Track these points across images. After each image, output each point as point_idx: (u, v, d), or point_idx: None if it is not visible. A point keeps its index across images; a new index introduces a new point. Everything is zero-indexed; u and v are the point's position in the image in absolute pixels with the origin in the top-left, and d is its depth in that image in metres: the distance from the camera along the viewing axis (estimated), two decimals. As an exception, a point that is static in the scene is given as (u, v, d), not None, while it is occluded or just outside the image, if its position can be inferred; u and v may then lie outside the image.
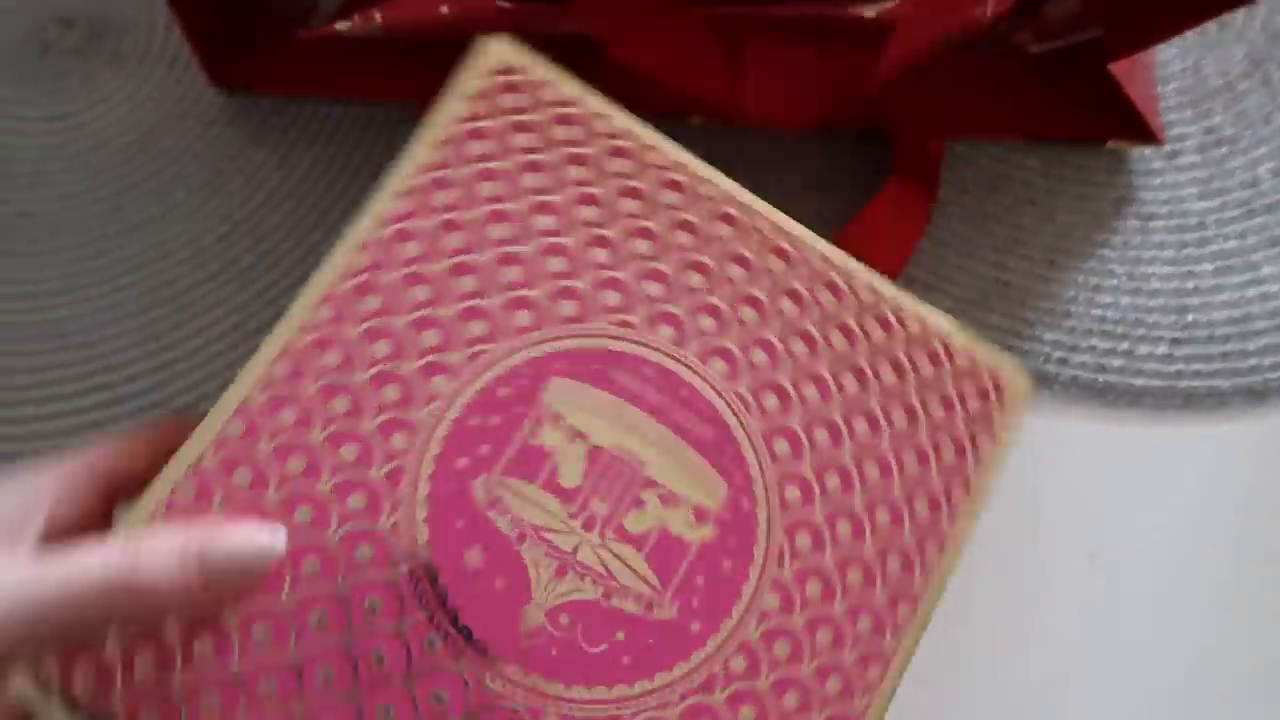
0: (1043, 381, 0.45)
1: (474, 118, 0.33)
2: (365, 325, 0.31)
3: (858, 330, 0.33)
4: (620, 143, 0.34)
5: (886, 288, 0.34)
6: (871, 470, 0.32)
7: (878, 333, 0.33)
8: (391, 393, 0.30)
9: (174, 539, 0.26)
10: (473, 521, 0.30)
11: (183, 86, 0.48)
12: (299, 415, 0.30)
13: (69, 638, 0.26)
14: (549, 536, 0.30)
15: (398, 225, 0.32)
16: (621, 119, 0.34)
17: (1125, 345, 0.45)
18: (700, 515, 0.31)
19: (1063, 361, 0.45)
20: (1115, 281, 0.47)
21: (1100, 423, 0.45)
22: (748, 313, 0.33)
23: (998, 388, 0.34)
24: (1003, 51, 0.47)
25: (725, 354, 0.33)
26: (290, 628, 0.28)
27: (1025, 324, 0.46)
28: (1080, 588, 0.42)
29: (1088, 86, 0.48)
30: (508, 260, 0.32)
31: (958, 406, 0.33)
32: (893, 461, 0.33)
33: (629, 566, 0.31)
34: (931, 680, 0.39)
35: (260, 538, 0.27)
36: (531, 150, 0.33)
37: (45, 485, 0.28)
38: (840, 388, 0.33)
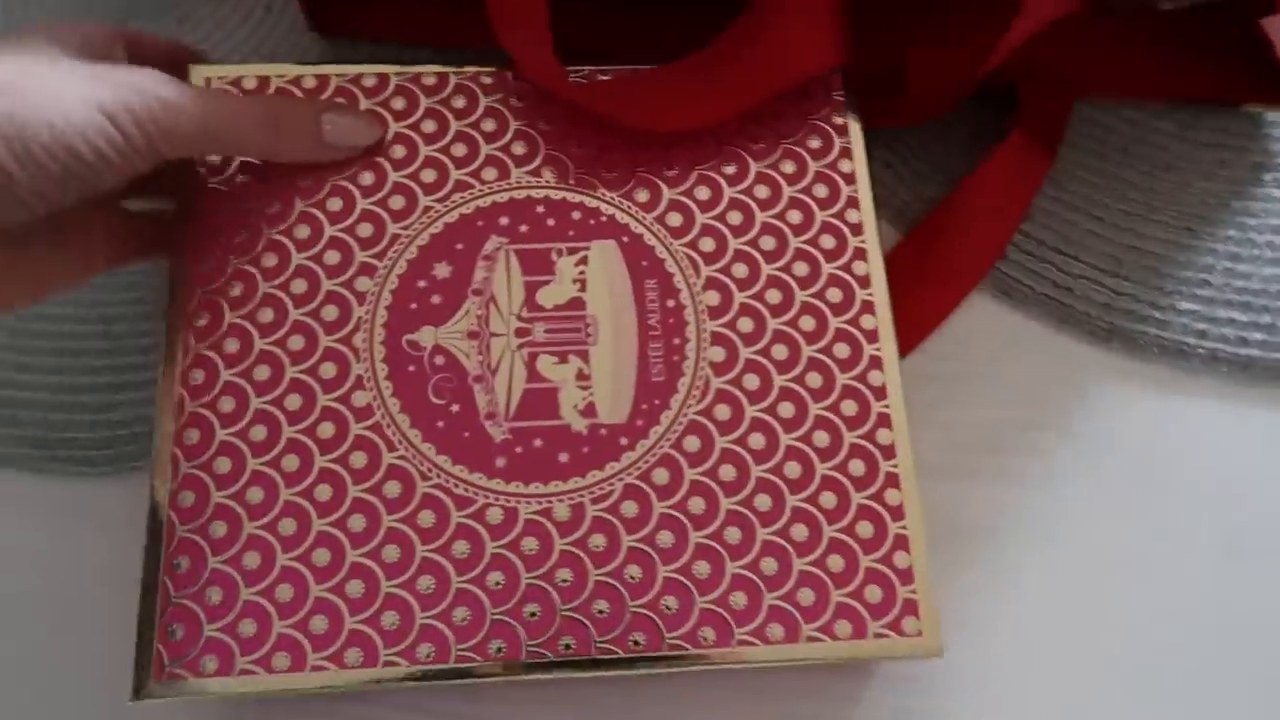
0: (1179, 355, 0.42)
1: None
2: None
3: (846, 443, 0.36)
4: None
5: (905, 454, 0.36)
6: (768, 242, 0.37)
7: (858, 467, 0.35)
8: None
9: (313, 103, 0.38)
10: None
11: (280, 31, 0.46)
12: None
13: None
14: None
15: None
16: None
17: (1267, 318, 0.43)
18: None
19: (1201, 334, 0.42)
20: (1256, 251, 0.44)
21: (1240, 402, 0.42)
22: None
23: (903, 614, 0.34)
24: (1136, 8, 0.45)
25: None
26: None
27: (1160, 293, 0.43)
28: (1216, 574, 0.39)
29: (1226, 46, 0.46)
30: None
31: (858, 578, 0.34)
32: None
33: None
34: (1059, 664, 0.37)
35: (370, 123, 0.38)
36: None
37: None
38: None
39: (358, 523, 0.33)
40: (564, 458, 0.34)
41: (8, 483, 0.40)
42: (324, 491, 0.34)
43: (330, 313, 0.35)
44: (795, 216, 0.38)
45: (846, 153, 0.39)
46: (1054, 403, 0.42)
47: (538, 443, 0.34)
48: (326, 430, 0.34)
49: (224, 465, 0.34)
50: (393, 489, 0.34)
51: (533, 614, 0.33)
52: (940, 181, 0.45)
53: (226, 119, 0.33)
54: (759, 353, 0.36)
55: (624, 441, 0.35)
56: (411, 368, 0.35)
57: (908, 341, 0.41)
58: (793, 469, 0.35)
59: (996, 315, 0.44)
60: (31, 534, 0.39)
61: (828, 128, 0.39)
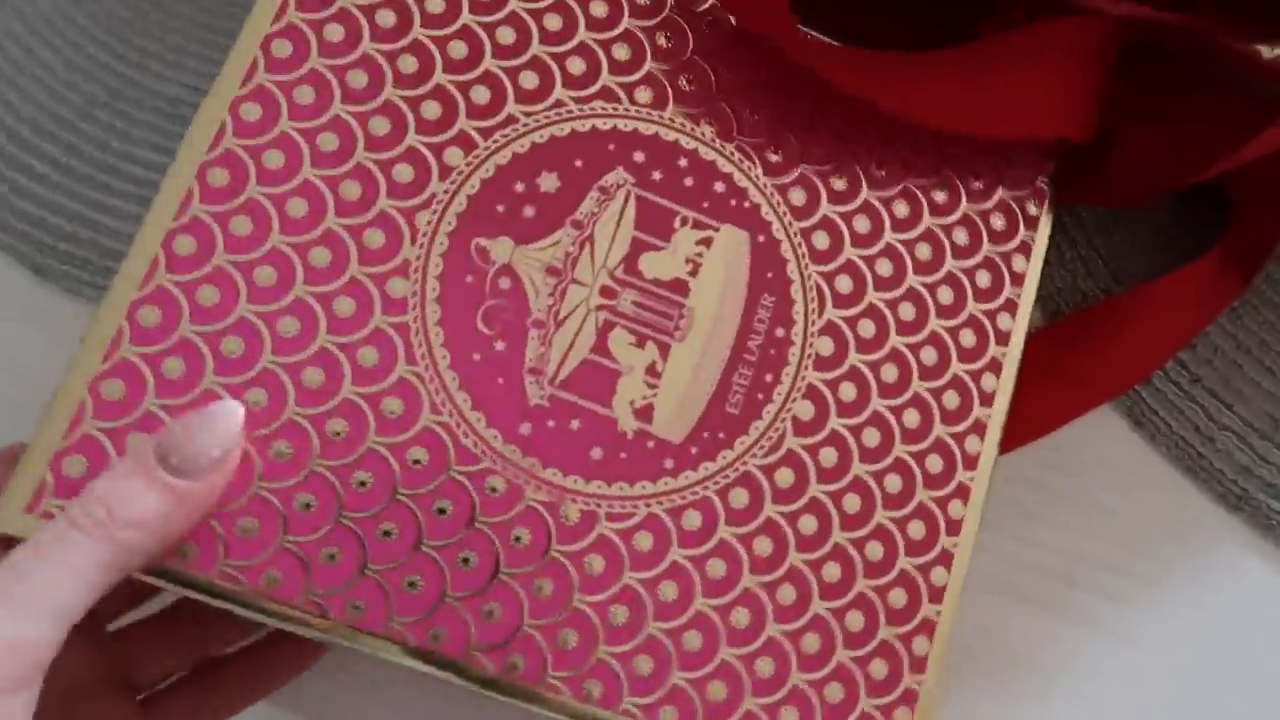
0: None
1: None
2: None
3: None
4: None
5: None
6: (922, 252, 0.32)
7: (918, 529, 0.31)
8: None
9: (121, 464, 0.25)
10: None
11: None
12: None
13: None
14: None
15: None
16: None
17: None
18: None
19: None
20: None
21: None
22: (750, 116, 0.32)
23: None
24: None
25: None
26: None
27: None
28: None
29: None
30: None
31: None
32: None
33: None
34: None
35: (213, 412, 0.26)
36: None
37: None
38: (870, 177, 0.32)
39: (338, 426, 0.27)
40: (597, 453, 0.29)
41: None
42: (314, 377, 0.27)
43: (403, 173, 0.29)
44: (946, 295, 0.32)
45: (1026, 249, 0.33)
46: (1153, 553, 0.38)
47: (575, 424, 0.29)
48: (344, 306, 0.28)
49: (209, 296, 0.27)
50: (393, 406, 0.28)
51: (489, 613, 0.27)
52: (1104, 278, 0.40)
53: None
54: (849, 428, 0.30)
55: (668, 464, 0.29)
56: (470, 278, 0.29)
57: (1016, 437, 0.36)
58: (831, 572, 0.29)
59: (1122, 440, 0.39)
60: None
61: (1018, 211, 0.33)
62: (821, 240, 0.31)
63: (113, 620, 0.32)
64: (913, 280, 0.32)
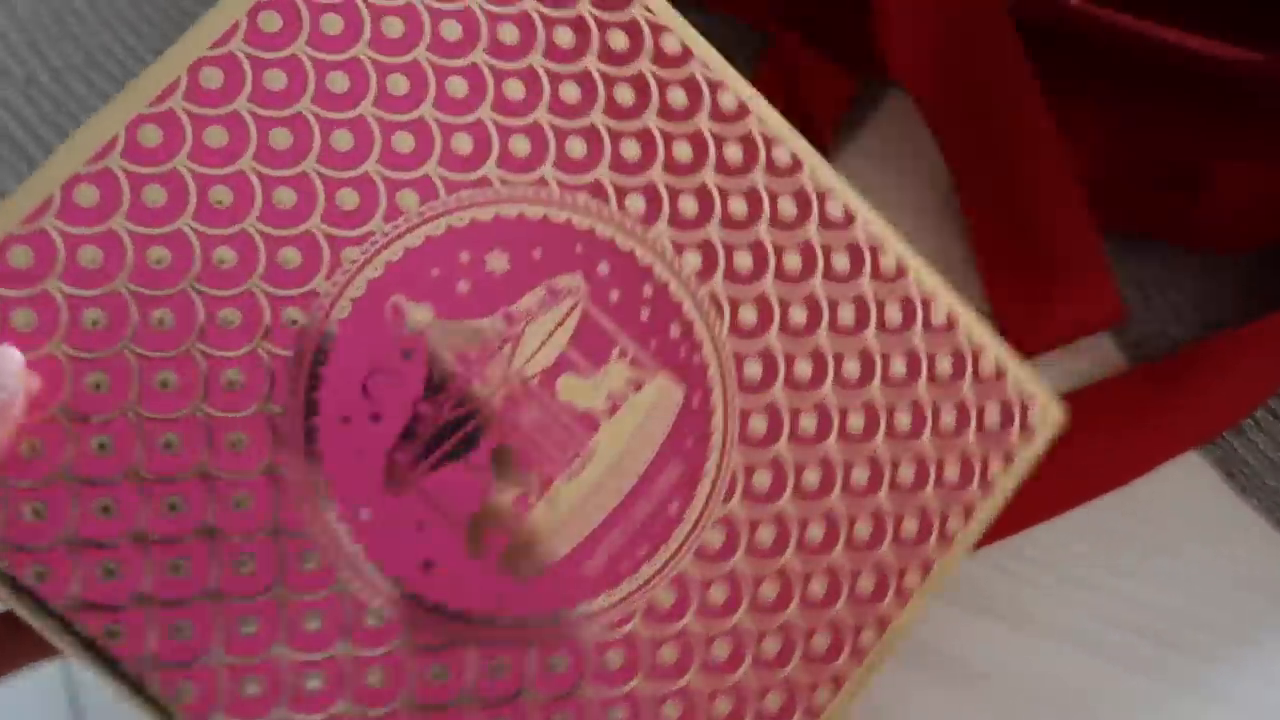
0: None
1: None
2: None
3: (871, 306, 0.30)
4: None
5: (920, 267, 0.30)
6: (859, 473, 0.29)
7: (895, 315, 0.30)
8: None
9: None
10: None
11: None
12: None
13: None
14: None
15: None
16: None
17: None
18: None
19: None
20: None
21: None
22: (742, 259, 0.29)
23: (1024, 411, 0.31)
24: None
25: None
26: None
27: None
28: None
29: None
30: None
31: (973, 420, 0.30)
32: (885, 467, 0.29)
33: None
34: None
35: None
36: None
37: None
38: (838, 369, 0.29)
39: (170, 439, 0.25)
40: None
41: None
42: (168, 378, 0.25)
43: (348, 198, 0.26)
44: (864, 530, 0.30)
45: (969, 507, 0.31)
46: (1241, 609, 0.37)
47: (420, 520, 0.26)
48: (230, 315, 0.25)
49: (92, 256, 0.24)
50: (238, 439, 0.25)
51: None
52: (1195, 325, 0.39)
53: None
54: (698, 634, 0.28)
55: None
56: (373, 335, 0.26)
57: (1104, 483, 0.36)
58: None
59: (1213, 491, 0.38)
60: None
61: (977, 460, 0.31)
62: (758, 425, 0.29)
63: None
64: (835, 502, 0.29)
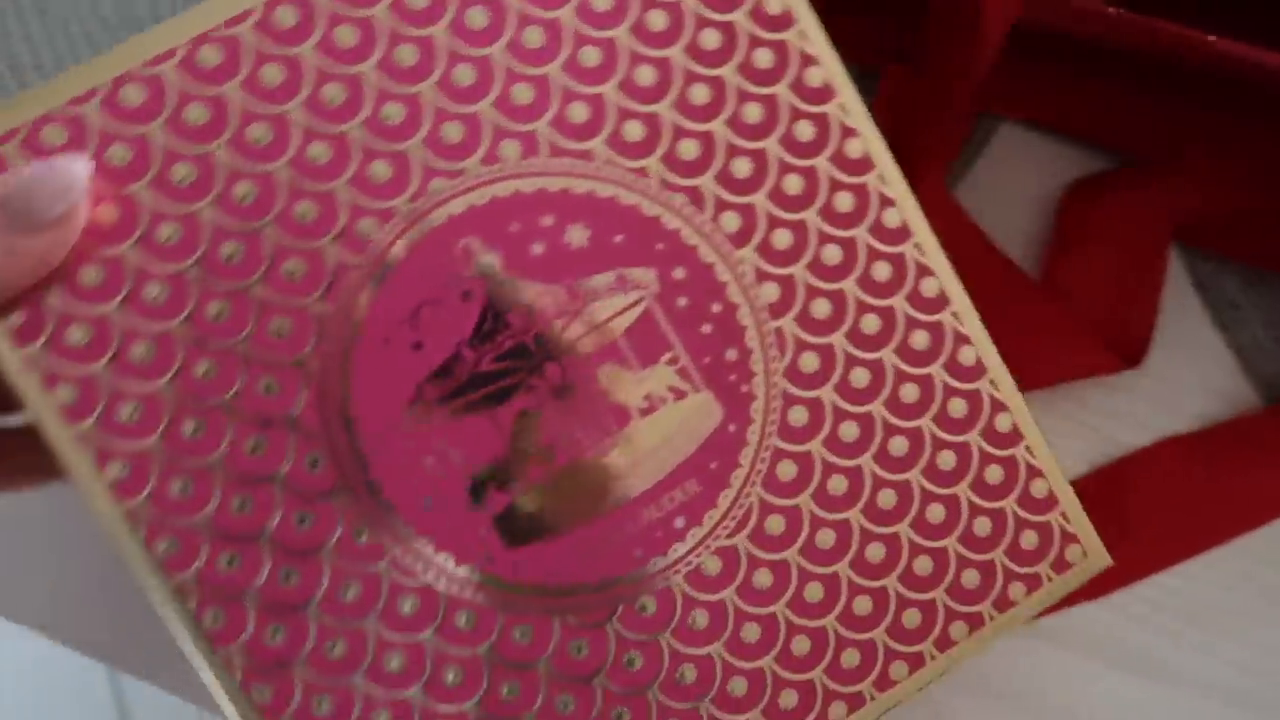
0: None
1: None
2: None
3: (937, 394, 0.29)
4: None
5: (1003, 376, 0.29)
6: (874, 549, 0.28)
7: (959, 410, 0.29)
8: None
9: None
10: None
11: None
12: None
13: None
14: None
15: None
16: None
17: None
18: None
19: None
20: None
21: None
22: (820, 306, 0.28)
23: (1064, 546, 0.29)
24: None
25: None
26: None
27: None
28: None
29: None
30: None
31: (1008, 537, 0.29)
32: (903, 552, 0.28)
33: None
34: None
35: (51, 167, 0.24)
36: None
37: None
38: (885, 442, 0.28)
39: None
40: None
41: None
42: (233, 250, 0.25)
43: (452, 132, 0.26)
44: (863, 606, 0.29)
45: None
46: None
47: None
48: (306, 210, 0.26)
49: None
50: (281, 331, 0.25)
51: None
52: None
53: None
54: (695, 654, 0.27)
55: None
56: (437, 265, 0.26)
57: (1239, 525, 0.36)
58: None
59: None
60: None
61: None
62: (787, 470, 0.28)
63: None
64: (842, 568, 0.28)
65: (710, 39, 0.27)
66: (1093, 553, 0.30)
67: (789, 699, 0.28)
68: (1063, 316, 0.38)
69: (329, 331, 0.26)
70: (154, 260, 0.25)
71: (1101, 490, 0.39)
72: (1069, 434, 0.40)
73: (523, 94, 0.26)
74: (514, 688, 0.26)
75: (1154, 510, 0.39)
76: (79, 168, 0.24)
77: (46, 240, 0.24)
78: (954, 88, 0.33)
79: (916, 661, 0.29)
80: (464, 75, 0.26)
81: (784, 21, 0.28)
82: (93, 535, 0.38)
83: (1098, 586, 0.38)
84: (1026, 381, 0.37)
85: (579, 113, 0.27)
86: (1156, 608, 0.39)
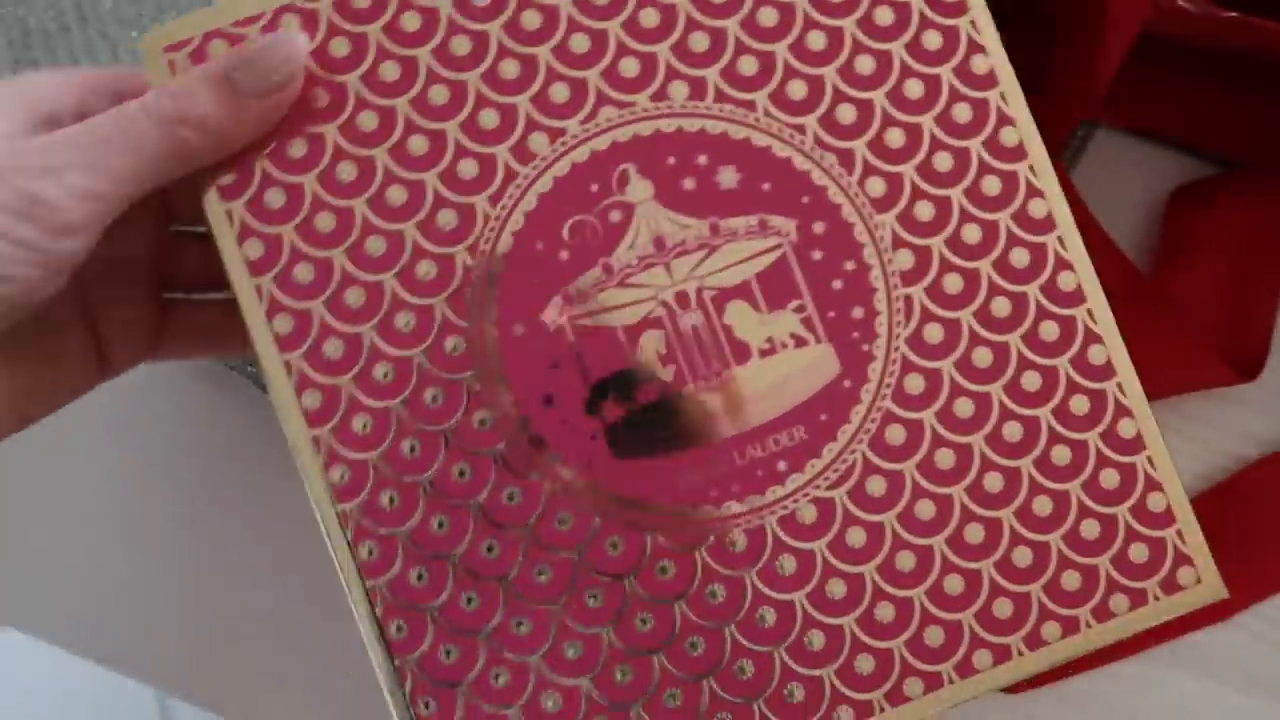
0: None
1: None
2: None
3: (1061, 387, 0.29)
4: None
5: (1132, 381, 0.29)
6: (974, 530, 0.28)
7: (1081, 407, 0.29)
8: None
9: (196, 70, 0.27)
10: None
11: None
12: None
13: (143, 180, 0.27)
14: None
15: None
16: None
17: None
18: None
19: None
20: None
21: None
22: (953, 281, 0.29)
23: (1176, 566, 0.29)
24: None
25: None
26: None
27: None
28: None
29: None
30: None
31: (1116, 545, 0.29)
32: (1003, 539, 0.28)
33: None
34: None
35: (278, 39, 0.28)
36: None
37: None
38: (999, 426, 0.29)
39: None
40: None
41: None
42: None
43: (629, 66, 0.28)
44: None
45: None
46: None
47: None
48: (491, 118, 0.28)
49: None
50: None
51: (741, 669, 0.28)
52: None
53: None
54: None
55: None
56: (594, 186, 0.28)
57: None
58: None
59: None
60: None
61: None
62: (895, 435, 0.28)
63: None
64: (938, 543, 0.28)
65: (884, 15, 0.29)
66: (1208, 581, 0.29)
67: (865, 663, 0.28)
68: (1179, 325, 0.37)
69: (487, 229, 0.28)
70: (350, 144, 0.28)
71: (1219, 507, 0.37)
72: (1182, 449, 0.39)
73: (699, 42, 0.29)
74: (598, 596, 0.28)
75: (1275, 527, 0.37)
76: (300, 41, 0.28)
77: (268, 104, 0.27)
78: (1073, 104, 0.33)
79: (1003, 654, 0.28)
80: (649, 18, 0.29)
81: (957, 9, 0.29)
82: (133, 554, 0.40)
83: (1227, 606, 0.37)
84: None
85: (748, 65, 0.29)
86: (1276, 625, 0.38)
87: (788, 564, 0.28)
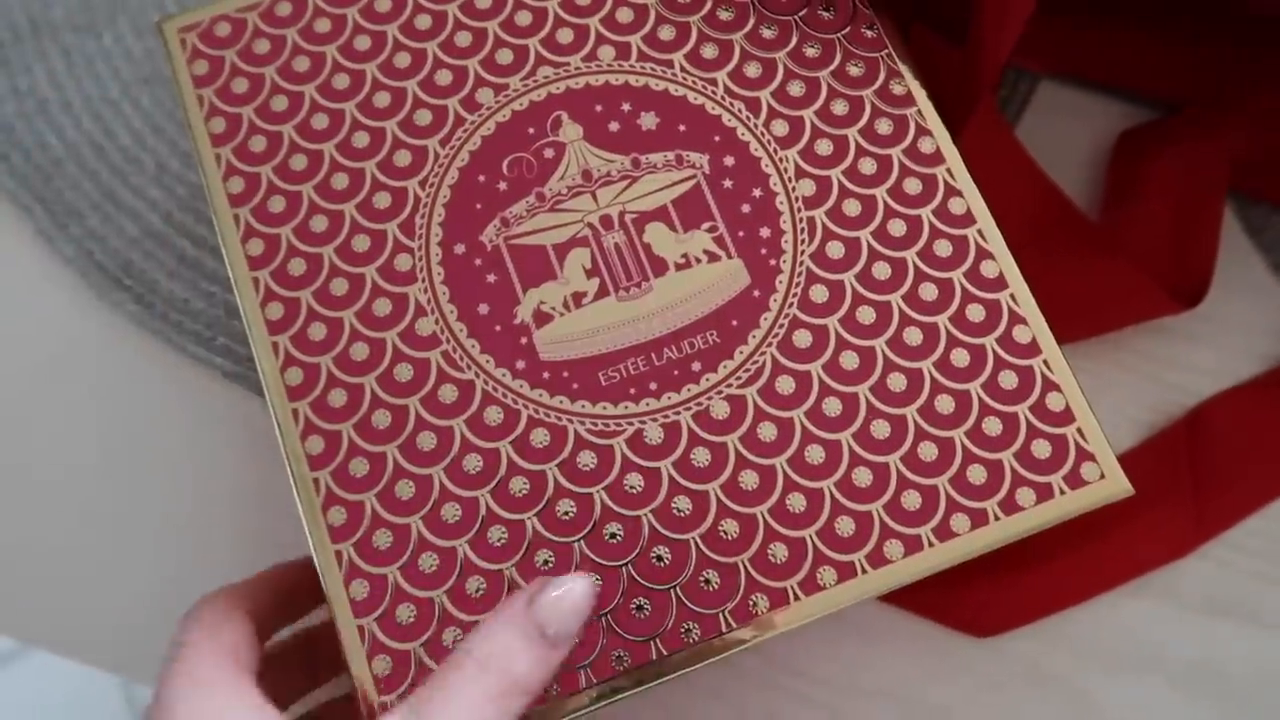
0: None
1: None
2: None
3: (956, 298, 0.31)
4: None
5: (1024, 289, 0.31)
6: (880, 426, 0.30)
7: (977, 315, 0.31)
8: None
9: (507, 629, 0.27)
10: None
11: None
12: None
13: None
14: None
15: None
16: None
17: None
18: None
19: None
20: None
21: None
22: (851, 206, 0.32)
23: (1079, 462, 0.30)
24: None
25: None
26: None
27: None
28: None
29: None
30: None
31: (1018, 442, 0.30)
32: (909, 433, 0.30)
33: None
34: None
35: (575, 584, 0.27)
36: None
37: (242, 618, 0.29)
38: (900, 331, 0.31)
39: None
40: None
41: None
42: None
43: (565, 36, 0.33)
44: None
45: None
46: None
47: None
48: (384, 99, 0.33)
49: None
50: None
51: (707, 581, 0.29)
52: None
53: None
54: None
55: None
56: (531, 129, 0.32)
57: None
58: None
59: None
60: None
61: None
62: (802, 339, 0.31)
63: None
64: (845, 438, 0.30)
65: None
66: (1112, 477, 0.30)
67: (779, 551, 0.29)
68: (1122, 264, 0.38)
69: (436, 166, 0.32)
70: (324, 99, 0.33)
71: (1178, 441, 0.38)
72: (1133, 385, 0.40)
73: (625, 15, 0.33)
74: (524, 485, 0.30)
75: (1233, 457, 0.37)
76: (592, 589, 0.27)
77: (564, 652, 0.27)
78: (989, 46, 0.36)
79: (914, 545, 0.29)
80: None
81: None
82: (101, 548, 0.41)
83: (1189, 539, 0.37)
84: (1089, 326, 0.38)
85: (667, 33, 0.33)
86: (1239, 550, 0.38)
87: (701, 456, 0.30)
